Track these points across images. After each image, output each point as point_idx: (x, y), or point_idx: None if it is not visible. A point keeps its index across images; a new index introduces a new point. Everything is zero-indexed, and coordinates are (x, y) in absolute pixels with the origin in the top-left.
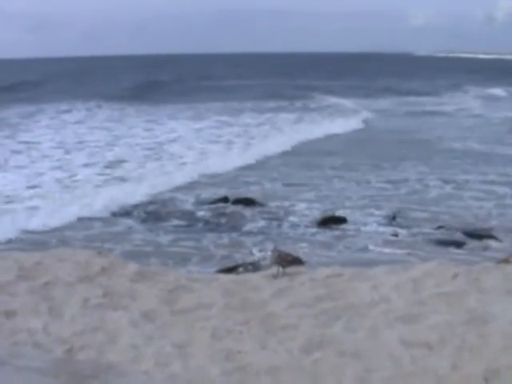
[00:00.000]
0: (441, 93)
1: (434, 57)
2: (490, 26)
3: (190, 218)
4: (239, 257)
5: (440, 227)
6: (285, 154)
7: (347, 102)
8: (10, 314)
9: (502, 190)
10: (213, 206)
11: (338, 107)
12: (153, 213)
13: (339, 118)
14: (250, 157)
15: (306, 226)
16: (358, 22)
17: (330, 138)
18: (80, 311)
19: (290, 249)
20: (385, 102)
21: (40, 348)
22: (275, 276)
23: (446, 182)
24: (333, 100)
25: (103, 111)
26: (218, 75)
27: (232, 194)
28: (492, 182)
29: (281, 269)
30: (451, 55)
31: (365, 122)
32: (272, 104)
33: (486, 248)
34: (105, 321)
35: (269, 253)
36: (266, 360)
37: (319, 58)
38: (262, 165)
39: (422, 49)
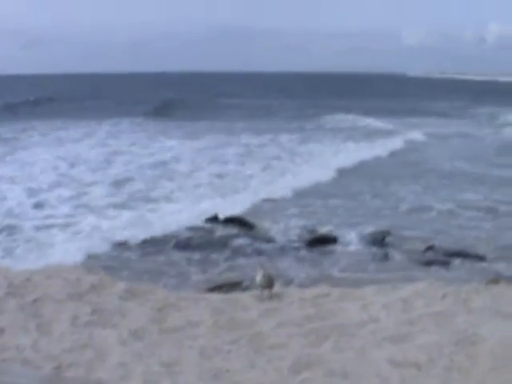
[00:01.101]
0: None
1: (429, 78)
2: (481, 47)
3: (179, 235)
4: (223, 275)
5: (430, 247)
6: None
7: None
8: None
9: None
10: (200, 225)
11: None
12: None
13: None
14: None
15: (295, 246)
16: (351, 42)
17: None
18: (69, 329)
19: (277, 268)
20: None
21: (28, 365)
22: (262, 299)
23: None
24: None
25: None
26: (230, 93)
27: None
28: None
29: (267, 292)
30: (445, 76)
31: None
32: (297, 123)
33: (475, 269)
34: (94, 338)
35: (258, 275)
36: (254, 379)
37: (315, 77)
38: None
39: (414, 69)
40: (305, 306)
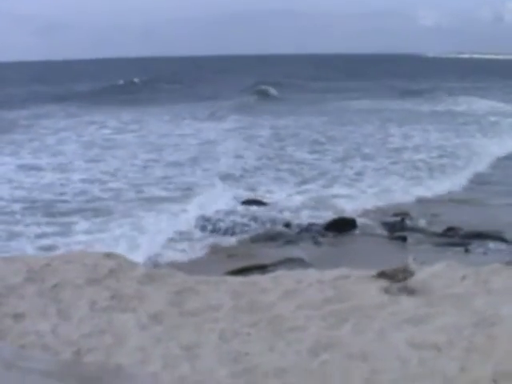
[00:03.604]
0: None
1: (450, 58)
2: (498, 26)
3: None
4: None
5: (450, 229)
6: None
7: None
8: (18, 317)
9: None
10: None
11: None
12: None
13: None
14: None
15: (314, 229)
16: (369, 23)
17: None
18: (88, 313)
19: (297, 251)
20: None
21: (48, 350)
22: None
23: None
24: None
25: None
26: (301, 76)
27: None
28: None
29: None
30: (465, 56)
31: None
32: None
33: (495, 249)
34: (113, 323)
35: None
36: (273, 362)
37: (336, 59)
38: None
39: (431, 50)
40: (324, 288)
